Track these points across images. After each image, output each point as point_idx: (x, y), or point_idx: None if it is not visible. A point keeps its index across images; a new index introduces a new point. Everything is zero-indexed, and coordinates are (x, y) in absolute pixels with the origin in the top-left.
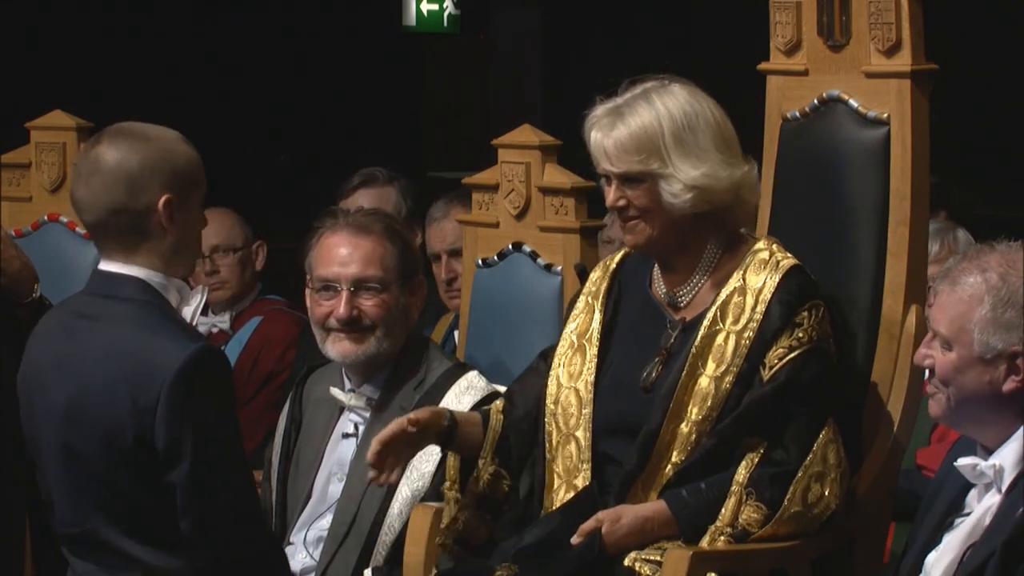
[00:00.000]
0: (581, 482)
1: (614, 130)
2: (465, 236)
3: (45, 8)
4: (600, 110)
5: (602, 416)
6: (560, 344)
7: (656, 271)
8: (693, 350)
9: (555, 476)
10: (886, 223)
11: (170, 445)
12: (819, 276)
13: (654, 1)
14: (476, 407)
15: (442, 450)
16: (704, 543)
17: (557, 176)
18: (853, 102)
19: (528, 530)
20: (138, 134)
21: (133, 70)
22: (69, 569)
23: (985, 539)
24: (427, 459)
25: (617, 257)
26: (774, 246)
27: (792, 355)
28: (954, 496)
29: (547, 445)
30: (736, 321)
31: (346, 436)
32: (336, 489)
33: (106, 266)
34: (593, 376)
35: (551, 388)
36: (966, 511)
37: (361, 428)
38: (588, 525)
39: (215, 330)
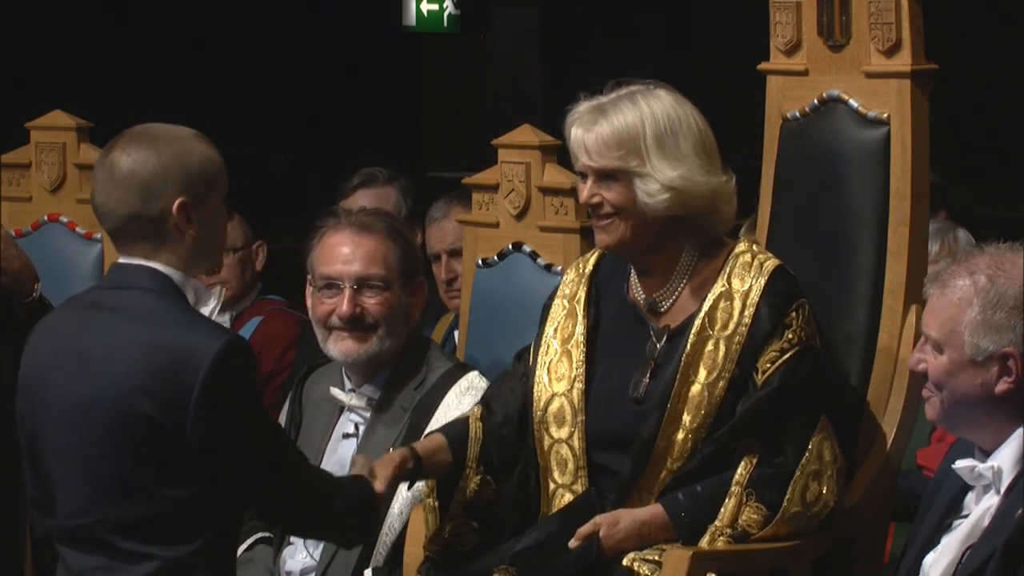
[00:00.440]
0: (579, 488)
1: (596, 126)
2: (465, 236)
3: (45, 8)
4: (583, 107)
5: (593, 426)
6: (540, 348)
7: (633, 275)
8: (684, 359)
9: (550, 482)
10: (886, 223)
11: (210, 437)
12: (819, 276)
13: (654, 1)
14: None
15: (409, 487)
16: (704, 543)
17: (557, 176)
18: (853, 102)
19: (526, 533)
20: (151, 138)
21: (133, 70)
22: (61, 566)
23: (984, 540)
24: None
25: (591, 260)
26: (755, 247)
27: (784, 358)
28: (952, 497)
29: (538, 451)
30: (725, 327)
31: (346, 436)
32: None
33: (125, 260)
34: (583, 384)
35: (538, 394)
36: (964, 512)
37: (362, 428)
38: (586, 529)
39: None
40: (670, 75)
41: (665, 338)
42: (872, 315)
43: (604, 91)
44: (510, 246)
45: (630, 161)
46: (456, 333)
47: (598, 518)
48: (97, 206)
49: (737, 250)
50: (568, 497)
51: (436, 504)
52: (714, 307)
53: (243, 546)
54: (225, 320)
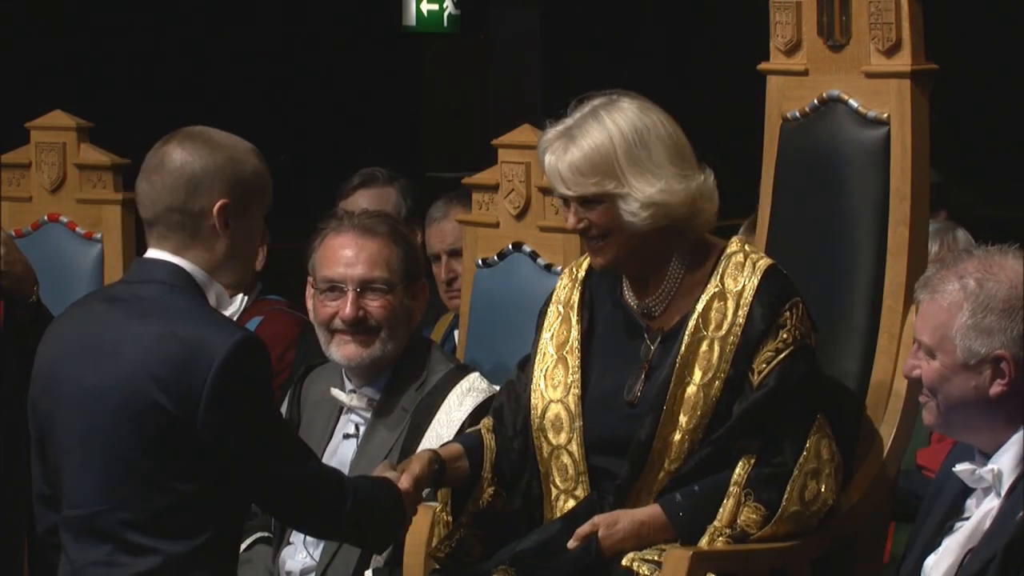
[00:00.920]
0: (581, 493)
1: (567, 153)
2: (465, 236)
3: (46, 8)
4: (551, 133)
5: (590, 431)
6: (537, 356)
7: (625, 281)
8: (679, 360)
9: (552, 487)
10: (886, 223)
11: (220, 432)
12: (819, 276)
13: (654, 1)
14: (477, 409)
15: (432, 489)
16: (703, 543)
17: None
18: (853, 102)
19: (527, 536)
20: (208, 139)
21: (133, 70)
22: (64, 559)
23: (985, 543)
24: None
25: (584, 265)
26: (746, 246)
27: (780, 357)
28: (953, 499)
29: (539, 458)
30: (719, 327)
31: (347, 437)
32: None
33: (151, 254)
34: (579, 390)
35: (535, 401)
36: (965, 515)
37: (362, 429)
38: (584, 529)
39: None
40: (670, 75)
41: (659, 340)
42: (872, 315)
43: (568, 111)
44: (510, 246)
45: (607, 185)
46: (456, 333)
47: (596, 518)
48: (140, 193)
49: (729, 250)
50: (571, 503)
51: (449, 519)
52: (708, 308)
53: (242, 546)
54: None
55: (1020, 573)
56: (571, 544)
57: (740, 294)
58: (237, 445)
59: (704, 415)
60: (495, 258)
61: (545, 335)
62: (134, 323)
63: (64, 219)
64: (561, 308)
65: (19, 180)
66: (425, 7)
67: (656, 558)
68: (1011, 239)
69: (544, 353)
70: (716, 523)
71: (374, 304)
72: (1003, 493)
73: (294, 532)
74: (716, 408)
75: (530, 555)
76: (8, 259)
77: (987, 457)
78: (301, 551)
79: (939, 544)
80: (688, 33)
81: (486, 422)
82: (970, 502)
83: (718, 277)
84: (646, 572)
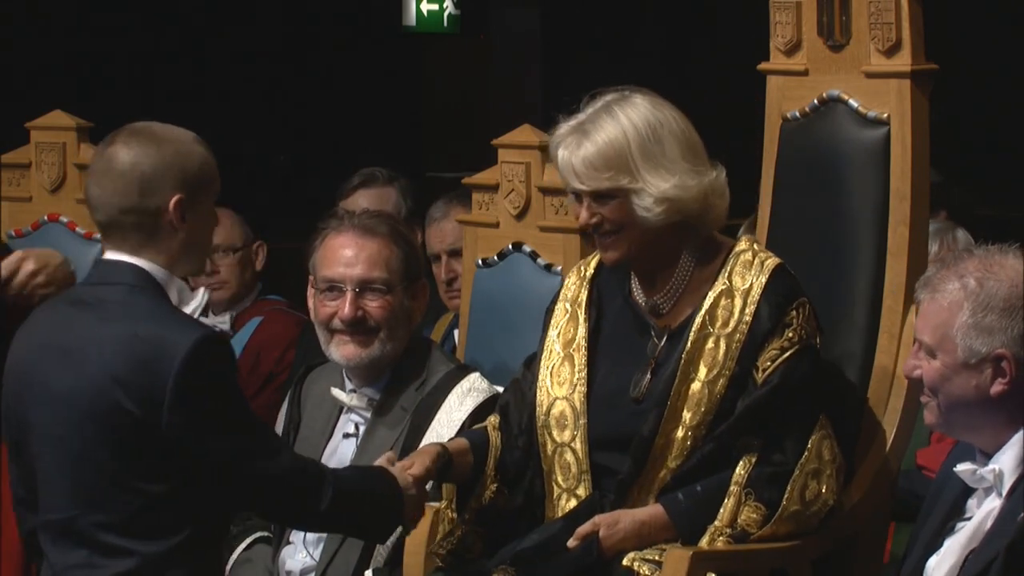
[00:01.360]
0: (583, 491)
1: (580, 148)
2: (465, 236)
3: (46, 8)
4: (564, 128)
5: (595, 428)
6: (544, 353)
7: (634, 278)
8: (684, 356)
9: (555, 486)
10: (886, 223)
11: (185, 431)
12: (819, 276)
13: (654, 1)
14: (478, 410)
15: (438, 482)
16: (703, 543)
17: (557, 176)
18: (853, 102)
19: (528, 535)
20: (152, 135)
21: (133, 70)
22: (45, 563)
23: (986, 543)
24: None
25: (592, 263)
26: (755, 245)
27: (784, 356)
28: (954, 499)
29: (542, 456)
30: (725, 324)
31: (347, 436)
32: None
33: (109, 256)
34: (585, 387)
35: (541, 398)
36: (967, 515)
37: (362, 428)
38: (585, 529)
39: (216, 330)
40: (670, 75)
41: (666, 337)
42: (872, 315)
43: (581, 106)
44: (510, 246)
45: (621, 180)
46: (455, 333)
47: (597, 518)
48: (92, 198)
49: (738, 248)
50: (572, 502)
51: (454, 516)
52: (715, 305)
53: (242, 546)
54: (225, 320)
55: (1022, 574)
56: (572, 544)
57: (748, 292)
58: (205, 443)
59: (708, 412)
60: (495, 258)
61: (552, 332)
62: (99, 326)
63: (64, 219)
64: (569, 306)
65: (19, 180)
66: (425, 7)
67: (657, 558)
68: (1011, 239)
69: (551, 350)
70: (717, 523)
71: (373, 304)
72: (1004, 493)
73: (294, 532)
74: (720, 405)
75: (531, 554)
76: (48, 280)
77: (988, 457)
78: (301, 551)
79: (940, 544)
80: (688, 33)
81: (492, 419)
82: (971, 502)
83: (726, 275)
84: (647, 572)
